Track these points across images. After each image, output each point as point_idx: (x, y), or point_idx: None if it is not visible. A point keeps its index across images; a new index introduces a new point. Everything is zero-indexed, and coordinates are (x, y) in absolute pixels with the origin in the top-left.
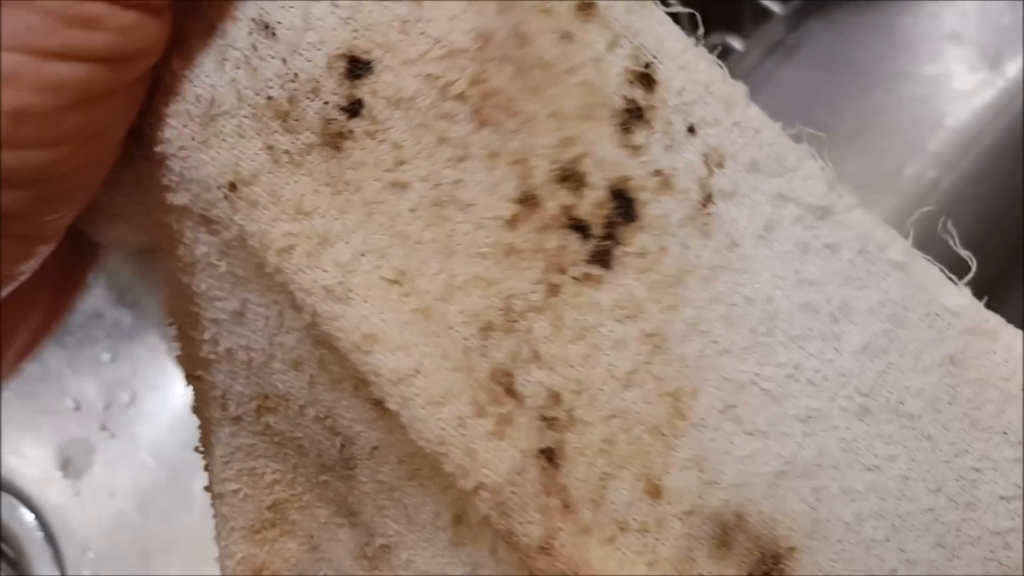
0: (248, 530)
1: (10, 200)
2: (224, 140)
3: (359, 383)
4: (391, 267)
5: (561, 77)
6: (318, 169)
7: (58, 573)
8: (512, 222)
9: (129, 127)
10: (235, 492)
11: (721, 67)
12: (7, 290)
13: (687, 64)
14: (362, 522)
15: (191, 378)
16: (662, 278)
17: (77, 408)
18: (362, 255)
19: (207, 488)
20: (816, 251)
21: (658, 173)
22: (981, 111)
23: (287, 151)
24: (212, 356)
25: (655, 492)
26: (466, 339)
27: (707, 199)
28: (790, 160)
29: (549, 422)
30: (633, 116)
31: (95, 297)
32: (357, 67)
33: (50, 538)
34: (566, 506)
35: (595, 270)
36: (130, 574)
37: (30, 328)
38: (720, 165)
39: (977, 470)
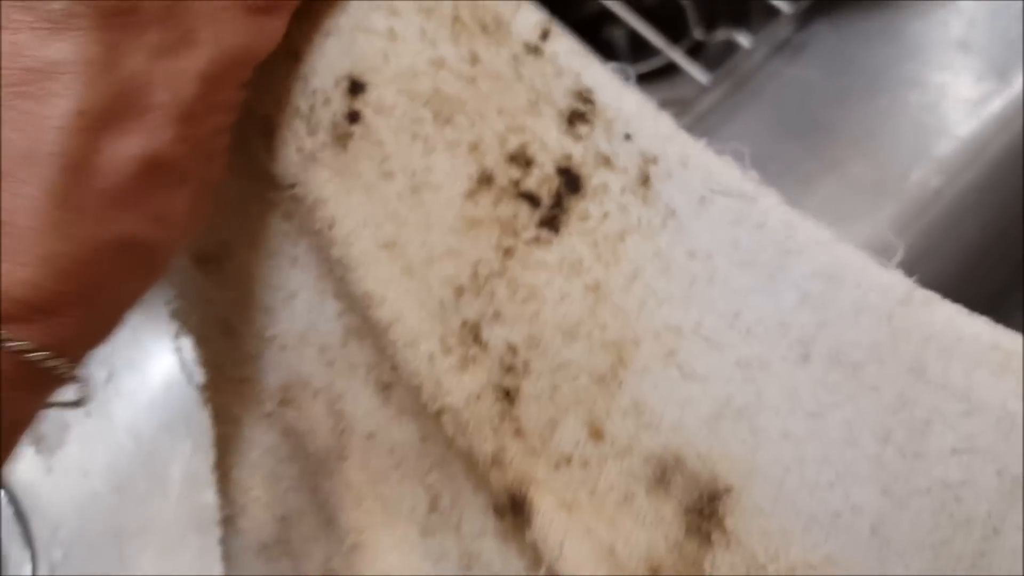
0: (260, 548)
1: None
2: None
3: (371, 367)
4: (385, 236)
5: (511, 84)
6: (330, 163)
7: (28, 550)
8: (472, 195)
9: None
10: (256, 500)
11: (650, 102)
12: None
13: (622, 94)
14: (337, 525)
15: (235, 382)
16: (605, 237)
17: None
18: (363, 227)
19: (222, 511)
20: (747, 227)
21: (600, 154)
22: (987, 121)
23: (311, 150)
24: (254, 350)
25: (598, 435)
26: (442, 297)
27: (645, 179)
28: (716, 165)
29: (508, 369)
30: (576, 117)
31: None
32: (356, 86)
33: (20, 515)
34: (518, 432)
35: (544, 233)
36: (102, 554)
37: None
38: (655, 163)
39: (927, 422)
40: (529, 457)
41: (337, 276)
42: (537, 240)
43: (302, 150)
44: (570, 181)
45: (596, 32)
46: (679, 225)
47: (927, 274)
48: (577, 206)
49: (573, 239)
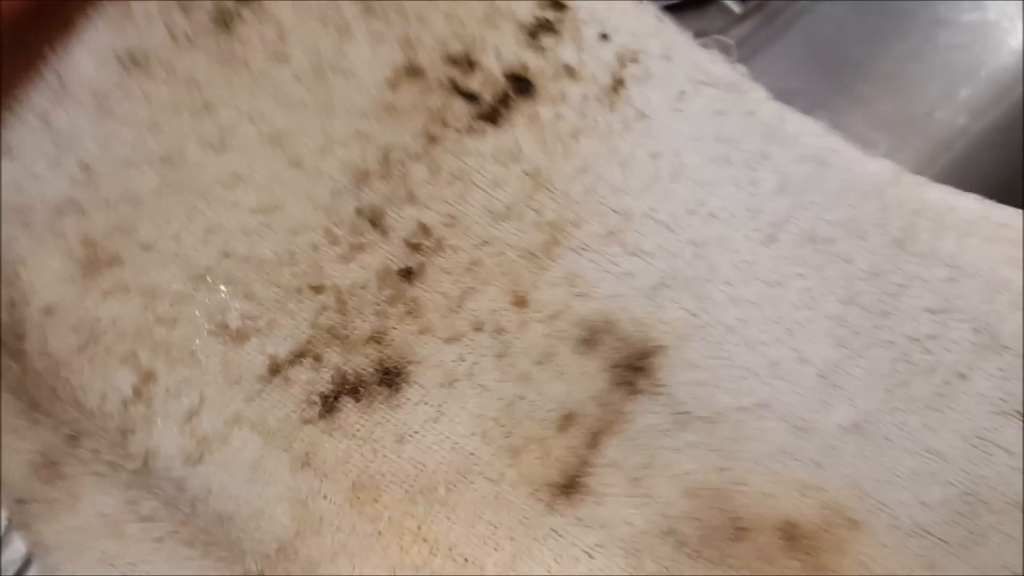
0: None
1: None
2: (133, 21)
3: None
4: (272, 128)
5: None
6: (211, 48)
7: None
8: (393, 86)
9: None
10: None
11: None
12: None
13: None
14: None
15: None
16: (555, 135)
17: None
18: (247, 118)
19: None
20: (734, 116)
21: (564, 67)
22: (1014, 62)
23: (184, 31)
24: None
25: (521, 303)
26: (337, 184)
27: (618, 84)
28: (703, 57)
29: (414, 247)
30: (542, 28)
31: None
32: None
33: None
34: (409, 312)
35: (480, 125)
36: None
37: None
38: (634, 60)
39: (901, 285)
40: (417, 335)
41: (132, 149)
42: (471, 130)
43: (172, 27)
44: (522, 85)
45: None
46: (647, 128)
47: None
48: (526, 107)
49: (515, 131)
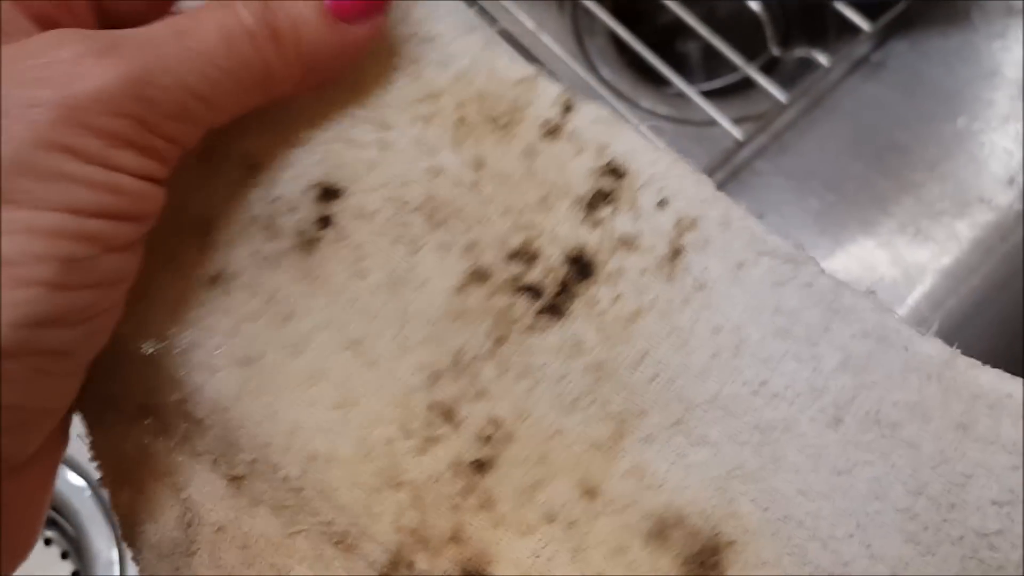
0: None
1: (68, 338)
2: (217, 249)
3: (218, 458)
4: (347, 337)
5: (520, 183)
6: (293, 267)
7: (115, 550)
8: (461, 290)
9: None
10: None
11: (690, 167)
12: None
13: (656, 160)
14: None
15: None
16: (614, 319)
17: None
18: (324, 328)
19: None
20: (793, 288)
21: (620, 238)
22: None
23: (269, 255)
24: None
25: (591, 495)
26: (411, 384)
27: (676, 252)
28: (759, 228)
29: (485, 440)
30: (599, 198)
31: None
32: (328, 194)
33: (110, 516)
34: (482, 506)
35: (543, 321)
36: None
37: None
38: (693, 228)
39: (968, 476)
40: (493, 529)
41: (214, 352)
42: (533, 328)
43: (257, 254)
44: (581, 268)
45: (670, 44)
46: (707, 299)
47: (1009, 301)
48: (586, 292)
49: (577, 324)
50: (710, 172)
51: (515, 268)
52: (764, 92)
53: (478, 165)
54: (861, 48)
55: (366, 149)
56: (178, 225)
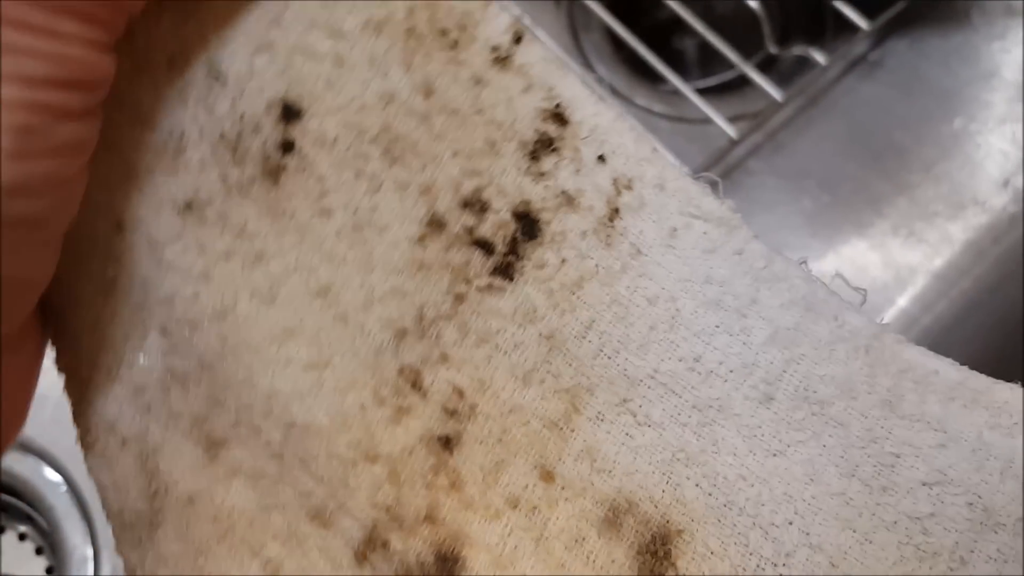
0: None
1: (37, 207)
2: (189, 170)
3: (197, 420)
4: (318, 282)
5: (467, 118)
6: (261, 198)
7: (90, 546)
8: (421, 241)
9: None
10: None
11: (630, 122)
12: (25, 310)
13: (599, 112)
14: None
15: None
16: (561, 285)
17: None
18: (294, 271)
19: None
20: (724, 255)
21: (563, 194)
22: None
23: (237, 182)
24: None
25: (548, 478)
26: (380, 341)
27: (614, 213)
28: (695, 189)
29: (450, 413)
30: (543, 146)
31: None
32: (290, 112)
33: (84, 511)
34: (453, 485)
35: (497, 281)
36: None
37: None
38: (628, 187)
39: (896, 455)
40: (464, 511)
41: (192, 305)
42: (490, 288)
43: (226, 179)
44: (527, 227)
45: (666, 41)
46: (642, 266)
47: (1001, 304)
48: (534, 253)
49: (528, 287)
50: (704, 170)
51: (468, 219)
52: (760, 90)
53: (428, 91)
54: (859, 47)
55: (322, 63)
56: (151, 142)
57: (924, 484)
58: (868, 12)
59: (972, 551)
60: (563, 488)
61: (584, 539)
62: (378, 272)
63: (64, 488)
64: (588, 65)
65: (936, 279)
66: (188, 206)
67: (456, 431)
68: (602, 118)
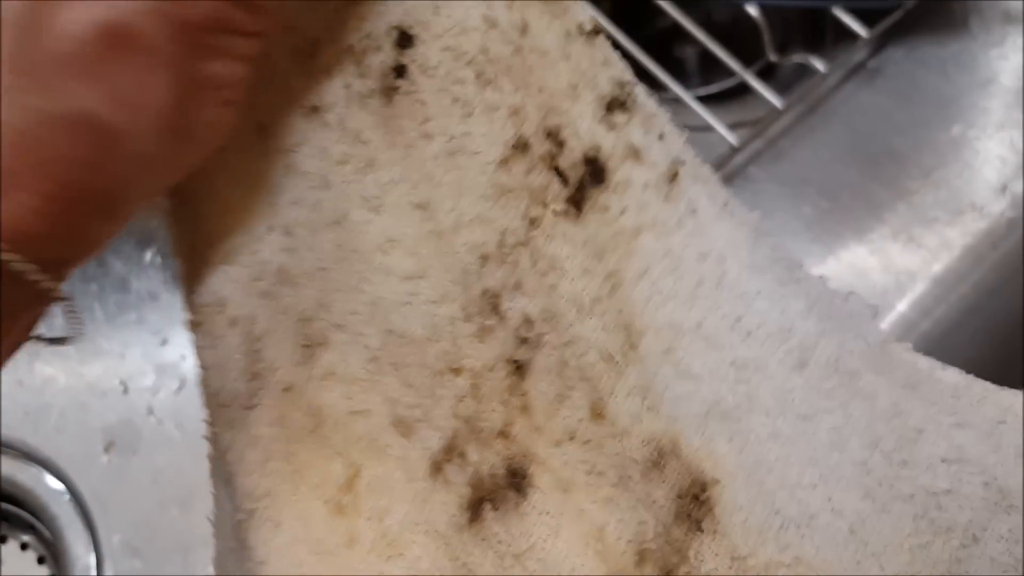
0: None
1: (238, 72)
2: (317, 75)
3: (303, 319)
4: (418, 196)
5: (556, 62)
6: (376, 111)
7: (93, 555)
8: (505, 163)
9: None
10: None
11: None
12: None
13: (660, 112)
14: (234, 487)
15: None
16: (621, 230)
17: (125, 391)
18: (399, 182)
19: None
20: (766, 239)
21: (631, 147)
22: None
23: (358, 92)
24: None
25: (599, 415)
26: (467, 263)
27: (674, 176)
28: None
29: (522, 341)
30: (617, 104)
31: (150, 279)
32: (404, 39)
33: (88, 520)
34: (524, 408)
35: (571, 209)
36: (166, 562)
37: None
38: (683, 164)
39: (919, 431)
40: (533, 433)
41: (313, 211)
42: (565, 213)
43: (349, 87)
44: (595, 172)
45: (667, 49)
46: (697, 226)
47: (999, 309)
48: (599, 197)
49: (594, 225)
50: None
51: (552, 147)
52: (760, 98)
53: (523, 29)
54: (858, 54)
55: None
56: (290, 45)
57: (944, 461)
58: (867, 20)
59: (985, 529)
60: (613, 425)
61: (629, 478)
62: (467, 198)
63: (67, 497)
64: None
65: (935, 284)
66: (314, 109)
67: (527, 357)
68: (661, 116)
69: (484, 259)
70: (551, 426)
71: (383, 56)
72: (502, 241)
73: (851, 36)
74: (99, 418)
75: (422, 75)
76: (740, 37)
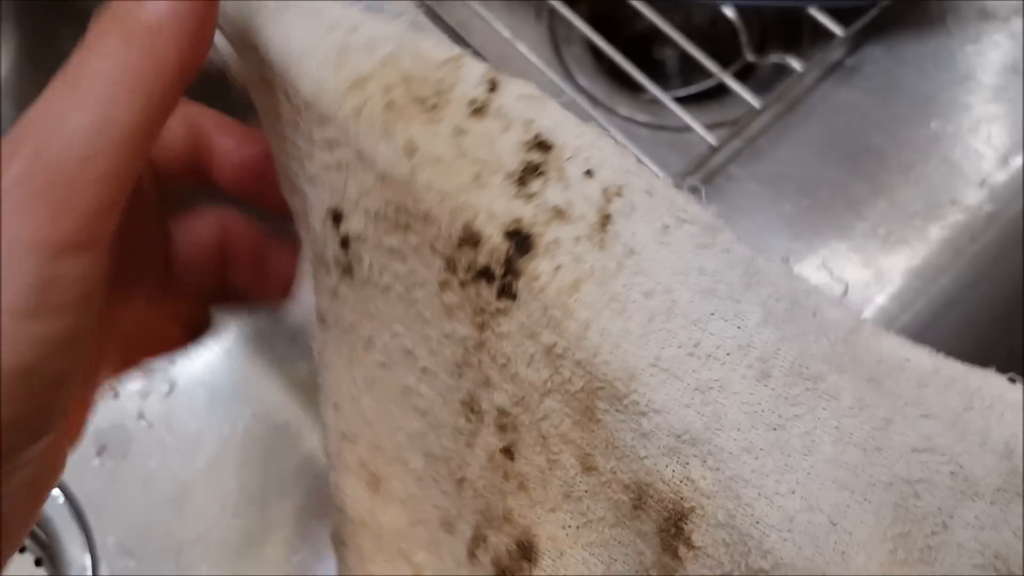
0: None
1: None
2: (311, 288)
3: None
4: (403, 343)
5: (451, 164)
6: (347, 295)
7: (88, 557)
8: (444, 287)
9: None
10: None
11: (613, 138)
12: None
13: (582, 133)
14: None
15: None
16: (557, 292)
17: (115, 395)
18: (391, 337)
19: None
20: (714, 252)
21: (553, 208)
22: None
23: (331, 288)
24: None
25: (591, 468)
26: (448, 383)
27: (605, 219)
28: (680, 197)
29: (502, 428)
30: (529, 171)
31: None
32: (336, 216)
33: (82, 523)
34: (521, 485)
35: (504, 303)
36: (160, 564)
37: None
38: (619, 194)
39: (888, 420)
40: (532, 508)
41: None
42: (499, 311)
43: (327, 289)
44: (520, 243)
45: (646, 51)
46: (637, 264)
47: (976, 301)
48: (528, 267)
49: (530, 303)
50: (684, 177)
51: (468, 253)
52: (738, 98)
53: (410, 150)
54: (835, 53)
55: (336, 171)
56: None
57: (914, 451)
58: (843, 19)
59: (952, 516)
60: (600, 476)
61: (622, 520)
62: (432, 326)
63: (61, 500)
64: (570, 77)
65: (915, 277)
66: (321, 319)
67: (511, 440)
68: (585, 138)
69: (460, 368)
70: (548, 495)
71: (331, 243)
72: (465, 348)
73: (828, 35)
74: (90, 423)
75: (358, 242)
76: (718, 38)
